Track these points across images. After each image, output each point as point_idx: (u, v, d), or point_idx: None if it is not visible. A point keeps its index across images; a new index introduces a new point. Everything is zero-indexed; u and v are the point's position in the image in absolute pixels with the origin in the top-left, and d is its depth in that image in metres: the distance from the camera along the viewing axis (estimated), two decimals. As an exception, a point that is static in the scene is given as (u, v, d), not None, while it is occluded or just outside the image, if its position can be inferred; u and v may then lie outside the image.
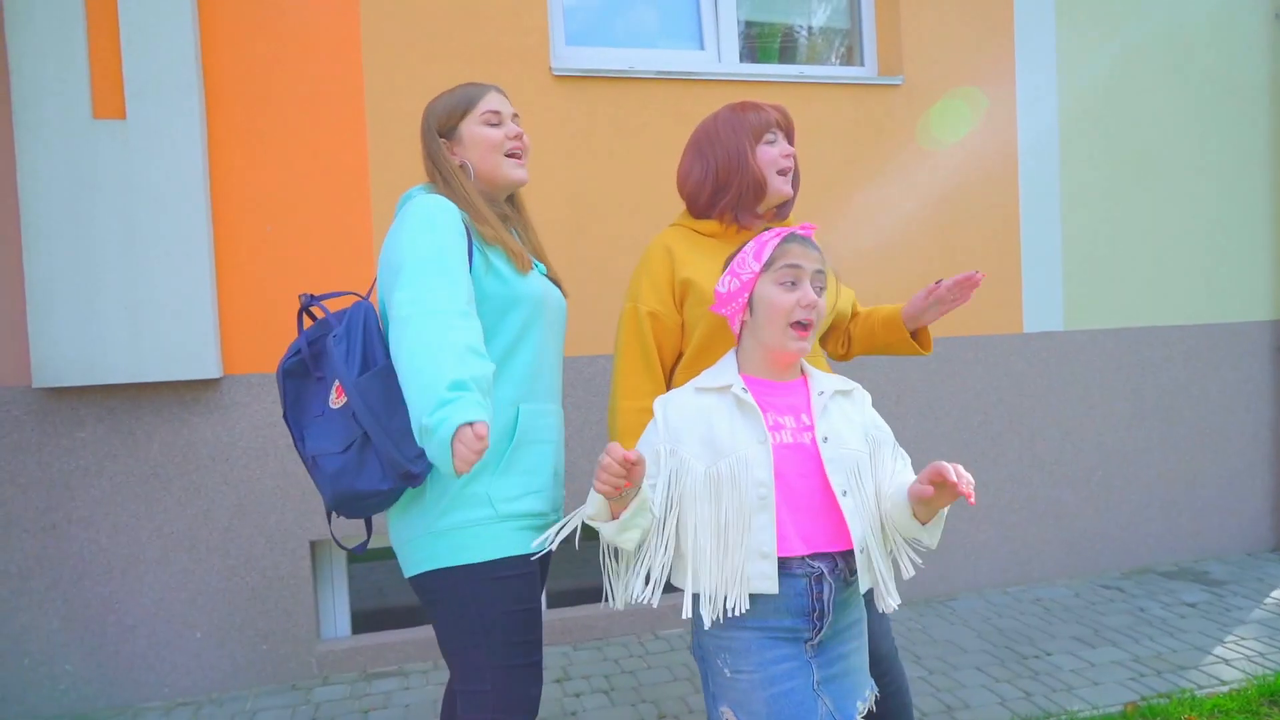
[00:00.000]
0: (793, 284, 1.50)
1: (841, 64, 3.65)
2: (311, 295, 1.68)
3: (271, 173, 2.92)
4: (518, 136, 1.68)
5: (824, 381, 1.57)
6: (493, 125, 1.67)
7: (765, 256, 1.52)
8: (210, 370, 2.78)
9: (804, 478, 1.45)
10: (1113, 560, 3.84)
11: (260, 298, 2.91)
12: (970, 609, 3.42)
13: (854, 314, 2.10)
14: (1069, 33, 3.70)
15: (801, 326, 1.51)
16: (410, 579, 1.59)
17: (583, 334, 3.21)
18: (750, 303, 1.54)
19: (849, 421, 1.53)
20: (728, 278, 1.57)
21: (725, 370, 1.56)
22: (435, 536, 1.54)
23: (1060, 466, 3.78)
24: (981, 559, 3.64)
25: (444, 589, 1.54)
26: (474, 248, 1.56)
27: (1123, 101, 3.80)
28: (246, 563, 2.93)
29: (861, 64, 3.63)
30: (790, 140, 1.92)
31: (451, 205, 1.55)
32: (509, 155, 1.68)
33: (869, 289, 3.53)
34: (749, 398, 1.49)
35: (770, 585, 1.42)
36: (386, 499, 1.53)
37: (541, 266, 1.74)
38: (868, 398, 1.61)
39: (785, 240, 1.53)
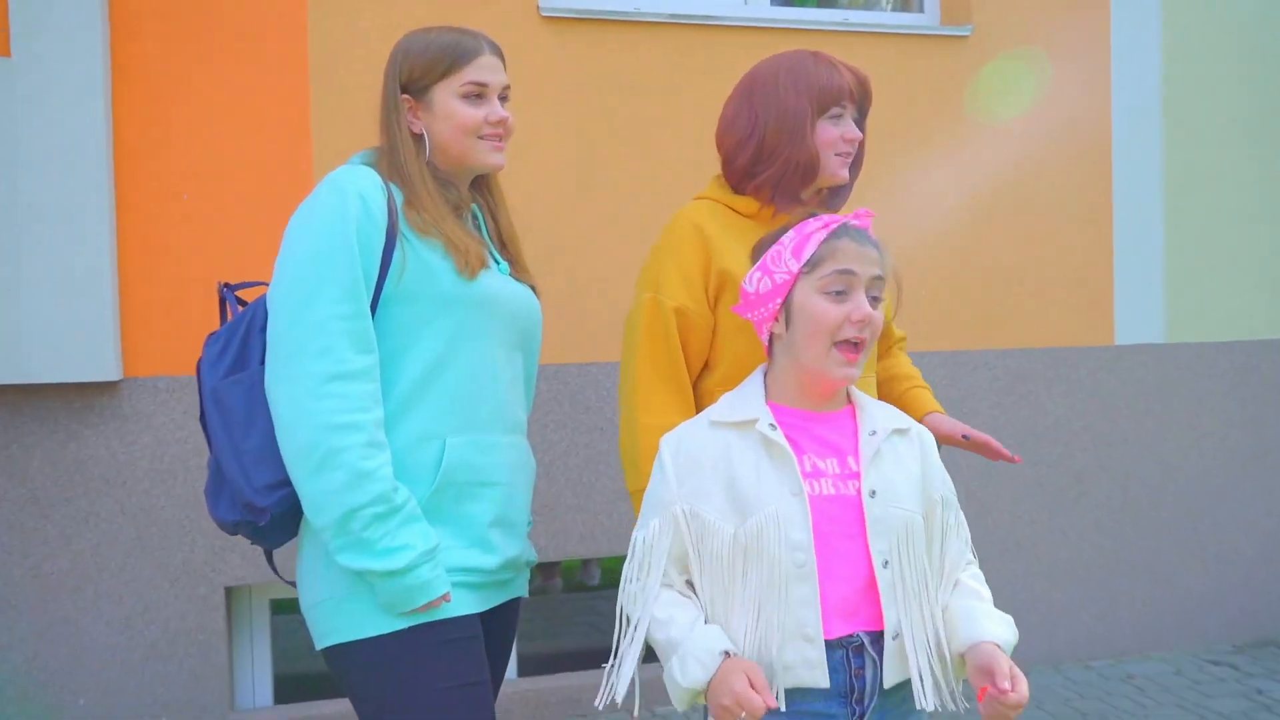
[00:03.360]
0: (841, 293, 1.42)
1: (896, 9, 3.64)
2: (229, 285, 1.68)
3: (190, 128, 2.85)
4: (500, 122, 1.62)
5: (878, 416, 1.50)
6: (473, 99, 1.61)
7: (807, 253, 1.44)
8: (107, 371, 2.72)
9: (848, 539, 1.40)
10: (1224, 630, 3.75)
11: (171, 281, 2.84)
12: (1045, 687, 3.35)
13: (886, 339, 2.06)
14: (1177, -24, 3.62)
15: (851, 347, 1.43)
16: (322, 652, 1.55)
17: (570, 337, 3.15)
18: (786, 310, 1.46)
19: (904, 471, 1.46)
20: (758, 274, 1.49)
21: (749, 398, 1.48)
22: (340, 601, 1.49)
23: (1159, 511, 3.67)
24: (1060, 625, 3.55)
25: (358, 665, 1.50)
26: (398, 238, 1.52)
27: (1241, 63, 3.70)
28: (145, 612, 2.84)
29: (920, 9, 3.58)
30: (863, 118, 1.87)
31: (363, 191, 1.51)
32: (484, 139, 1.63)
33: (924, 290, 3.42)
34: (779, 437, 1.42)
35: (817, 676, 1.36)
36: (265, 534, 1.55)
37: (504, 264, 1.68)
38: (932, 442, 1.54)
39: (835, 235, 1.44)
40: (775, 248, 1.49)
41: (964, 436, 1.86)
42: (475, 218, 1.71)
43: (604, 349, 3.16)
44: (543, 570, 3.46)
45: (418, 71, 1.62)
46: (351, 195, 1.49)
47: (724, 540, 1.39)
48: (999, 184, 3.51)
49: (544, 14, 3.07)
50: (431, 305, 1.54)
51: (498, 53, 1.65)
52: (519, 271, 1.74)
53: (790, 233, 1.49)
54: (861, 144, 1.87)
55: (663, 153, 3.19)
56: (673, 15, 3.16)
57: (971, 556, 1.52)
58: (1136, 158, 3.62)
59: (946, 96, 3.42)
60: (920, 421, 1.93)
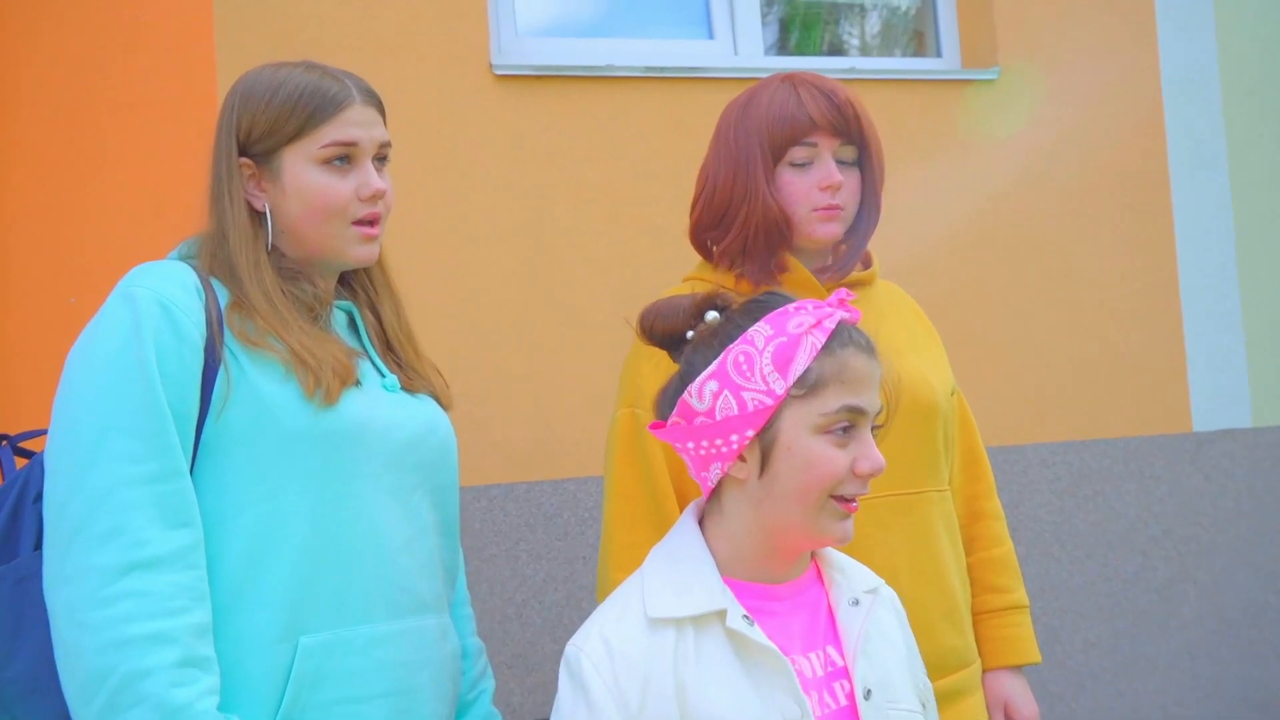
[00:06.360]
0: (846, 429, 1.16)
1: (910, 54, 3.53)
2: (6, 435, 1.50)
3: (80, 218, 2.68)
4: (374, 197, 1.35)
5: (852, 577, 1.26)
6: (338, 167, 1.34)
7: (799, 368, 1.15)
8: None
9: None
10: (1350, 775, 3.49)
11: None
12: None
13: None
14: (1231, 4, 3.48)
15: (851, 501, 1.19)
16: None
17: (540, 450, 2.92)
18: (762, 446, 1.16)
19: (893, 651, 1.25)
20: (714, 385, 1.17)
21: (697, 574, 1.17)
22: None
23: (1261, 630, 3.39)
24: (1152, 771, 3.33)
25: None
26: (222, 357, 1.25)
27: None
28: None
29: (938, 54, 3.43)
30: (865, 154, 1.59)
31: (164, 296, 1.24)
32: (357, 223, 1.35)
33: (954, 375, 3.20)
34: (761, 636, 1.13)
35: None
36: None
37: (390, 377, 1.40)
38: (897, 599, 1.31)
39: (835, 342, 1.16)
40: (742, 348, 1.16)
41: None
42: (350, 315, 1.42)
43: (580, 463, 2.86)
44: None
45: (260, 127, 1.34)
46: (146, 304, 1.22)
47: None
48: (1042, 248, 3.28)
49: (497, 72, 2.85)
50: (270, 447, 1.25)
51: (373, 101, 1.37)
52: (415, 381, 1.44)
53: (761, 326, 1.17)
54: (870, 187, 1.61)
55: (642, 231, 2.97)
56: (649, 69, 2.92)
57: None
58: (1201, 212, 3.42)
59: (973, 148, 3.22)
60: (990, 670, 1.69)
